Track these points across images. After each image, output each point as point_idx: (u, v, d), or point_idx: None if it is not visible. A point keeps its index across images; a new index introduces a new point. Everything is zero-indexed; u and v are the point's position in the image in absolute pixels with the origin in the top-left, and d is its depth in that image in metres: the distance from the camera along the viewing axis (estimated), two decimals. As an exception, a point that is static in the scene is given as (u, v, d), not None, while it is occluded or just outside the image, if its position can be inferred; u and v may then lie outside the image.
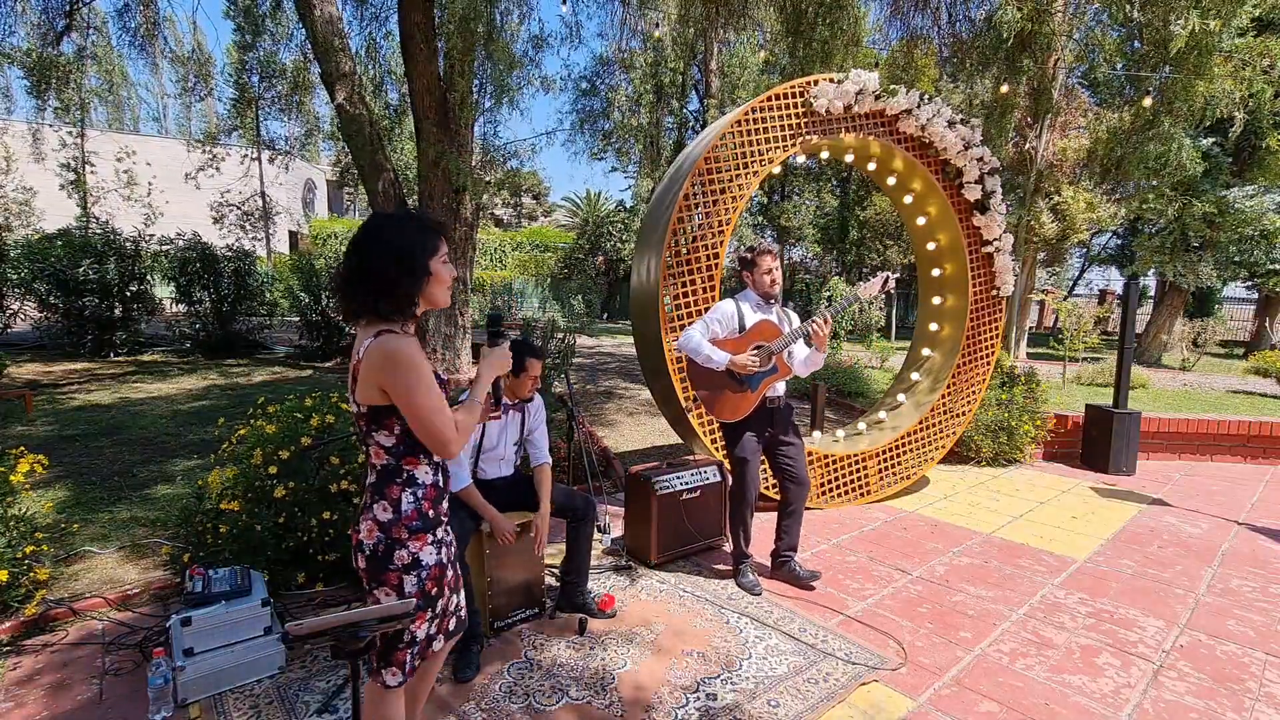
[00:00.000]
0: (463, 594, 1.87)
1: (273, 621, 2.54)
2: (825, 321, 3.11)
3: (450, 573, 1.76)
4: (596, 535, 3.35)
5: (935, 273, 5.29)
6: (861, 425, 5.29)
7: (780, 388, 3.40)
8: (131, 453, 5.14)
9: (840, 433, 5.16)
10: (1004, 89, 7.03)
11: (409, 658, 1.67)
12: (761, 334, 3.30)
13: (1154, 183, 10.82)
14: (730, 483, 3.53)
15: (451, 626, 1.81)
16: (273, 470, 3.03)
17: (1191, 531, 4.36)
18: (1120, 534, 4.28)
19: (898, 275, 3.25)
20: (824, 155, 4.74)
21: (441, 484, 1.74)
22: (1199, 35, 5.65)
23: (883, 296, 14.69)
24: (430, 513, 1.67)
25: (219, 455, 3.37)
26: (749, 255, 3.36)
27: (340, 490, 3.09)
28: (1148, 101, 7.30)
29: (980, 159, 4.83)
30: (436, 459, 1.73)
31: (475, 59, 5.71)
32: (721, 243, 4.16)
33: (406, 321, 1.64)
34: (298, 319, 10.45)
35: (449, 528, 1.79)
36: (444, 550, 1.71)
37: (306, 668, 2.57)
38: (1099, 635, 2.97)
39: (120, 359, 9.29)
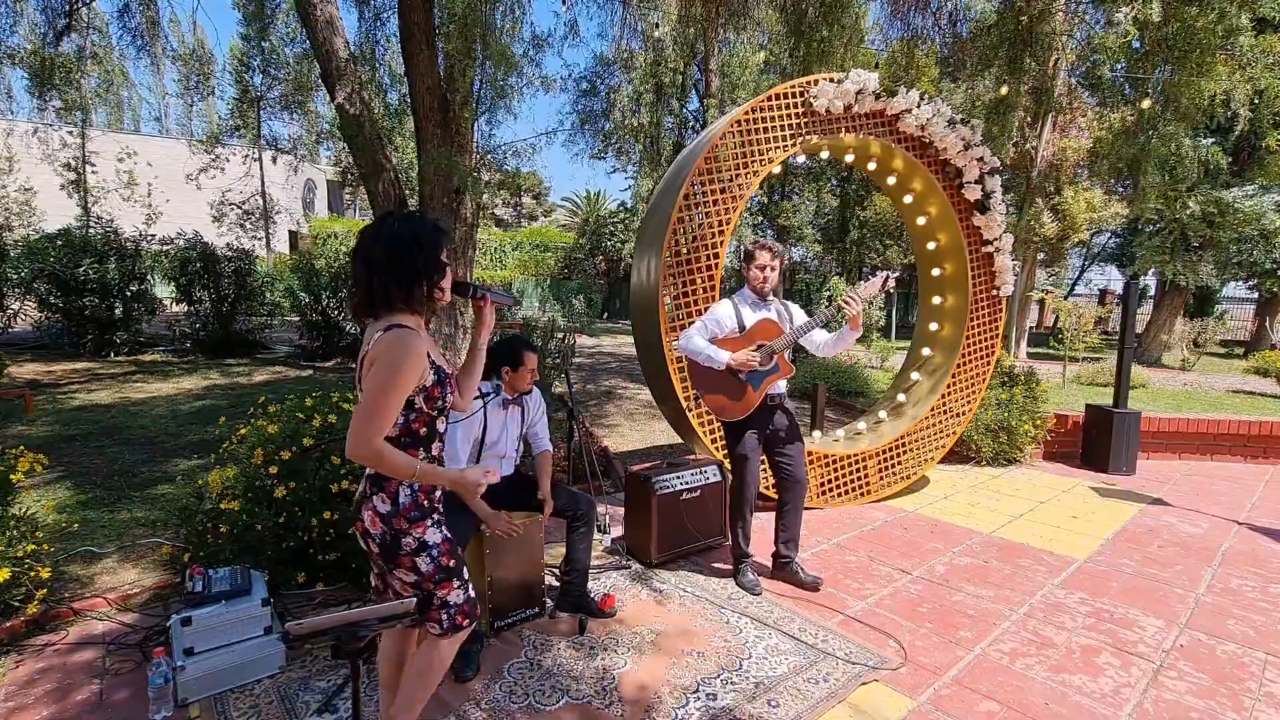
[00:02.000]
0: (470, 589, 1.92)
1: (273, 621, 2.54)
2: (855, 301, 3.07)
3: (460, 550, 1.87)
4: (596, 535, 3.36)
5: (935, 272, 5.29)
6: (861, 425, 5.29)
7: (782, 386, 3.40)
8: (132, 453, 5.14)
9: (840, 432, 5.16)
10: (1004, 89, 7.03)
11: (444, 617, 1.79)
12: (763, 333, 3.30)
13: (1167, 178, 10.79)
14: (730, 481, 3.54)
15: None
16: (273, 470, 3.03)
17: (1191, 531, 4.36)
18: (1120, 534, 4.28)
19: (898, 275, 3.24)
20: (824, 155, 4.74)
21: None
22: (1186, 30, 5.64)
23: (882, 296, 14.69)
24: (425, 503, 1.77)
25: (219, 455, 3.37)
26: (750, 247, 3.37)
27: (341, 490, 3.09)
28: (1146, 103, 7.29)
29: (980, 159, 4.83)
30: (433, 451, 1.80)
31: (475, 59, 5.70)
32: (722, 242, 4.16)
33: (427, 313, 1.77)
34: (298, 319, 10.46)
35: (442, 512, 1.87)
36: (445, 529, 1.82)
37: (306, 668, 2.57)
38: (1099, 635, 2.97)
39: (120, 359, 9.30)
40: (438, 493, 1.83)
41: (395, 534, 1.72)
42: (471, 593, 1.86)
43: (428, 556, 1.74)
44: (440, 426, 1.81)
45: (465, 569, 1.85)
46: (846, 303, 3.10)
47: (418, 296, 1.70)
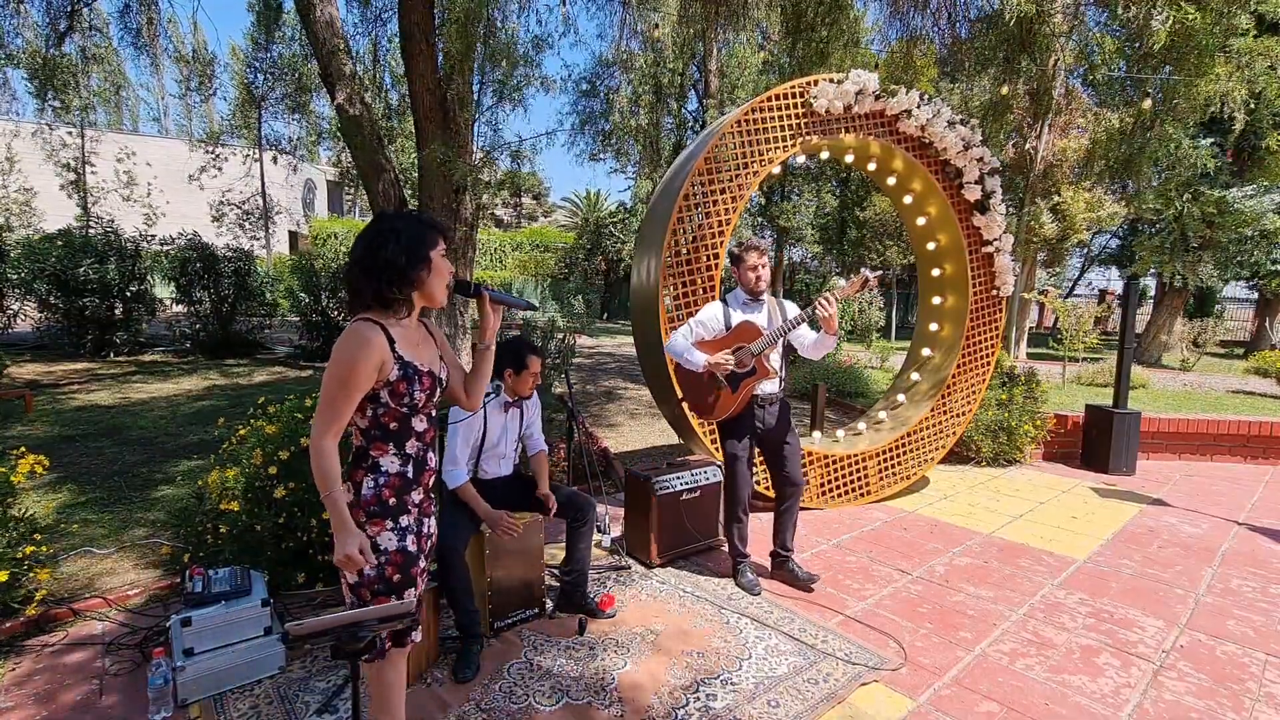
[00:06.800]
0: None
1: (273, 621, 2.54)
2: (829, 302, 3.04)
3: (421, 565, 1.79)
4: (596, 535, 3.36)
5: (935, 273, 5.29)
6: (861, 425, 5.29)
7: (770, 387, 3.38)
8: (132, 453, 5.14)
9: (840, 433, 5.16)
10: (1004, 89, 7.03)
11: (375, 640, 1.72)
12: (742, 335, 3.29)
13: (1165, 174, 10.77)
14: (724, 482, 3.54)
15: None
16: (273, 470, 3.03)
17: (1191, 531, 4.36)
18: (1120, 534, 4.28)
19: (879, 273, 3.22)
20: (824, 155, 4.74)
21: (410, 475, 1.76)
22: (1186, 31, 5.60)
23: (881, 297, 14.68)
24: (391, 501, 1.72)
25: (219, 455, 3.37)
26: (736, 250, 3.37)
27: (340, 490, 3.09)
28: (1147, 104, 7.29)
29: (980, 159, 4.83)
30: (408, 450, 1.75)
31: (475, 59, 5.70)
32: (721, 243, 4.16)
33: (400, 310, 1.71)
34: (298, 319, 10.46)
35: (425, 520, 1.81)
36: (410, 539, 1.75)
37: (306, 668, 2.57)
38: (1099, 635, 2.97)
39: (120, 359, 9.30)
40: (411, 495, 1.76)
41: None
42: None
43: (374, 560, 1.69)
44: (418, 425, 1.76)
45: (413, 590, 1.75)
46: (821, 304, 3.08)
47: (387, 292, 1.67)
